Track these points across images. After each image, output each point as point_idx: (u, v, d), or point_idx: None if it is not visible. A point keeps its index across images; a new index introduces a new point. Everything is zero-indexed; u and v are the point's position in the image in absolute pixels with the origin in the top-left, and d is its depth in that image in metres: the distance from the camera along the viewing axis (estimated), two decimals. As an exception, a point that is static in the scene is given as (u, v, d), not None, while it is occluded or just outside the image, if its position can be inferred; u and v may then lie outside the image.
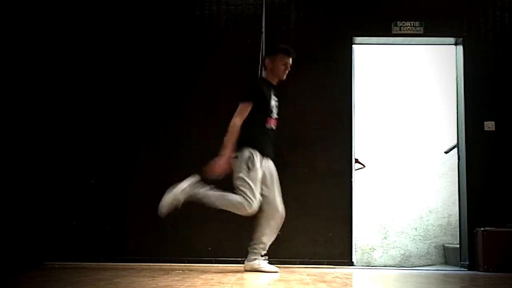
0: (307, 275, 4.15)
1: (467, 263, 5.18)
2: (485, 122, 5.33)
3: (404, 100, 7.00)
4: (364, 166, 6.37)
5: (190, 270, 4.41)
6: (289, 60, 4.48)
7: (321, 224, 5.25)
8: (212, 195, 4.28)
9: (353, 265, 5.21)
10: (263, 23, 5.45)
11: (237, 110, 4.36)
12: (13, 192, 5.02)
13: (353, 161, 5.40)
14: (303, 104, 5.42)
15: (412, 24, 5.46)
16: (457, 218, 5.57)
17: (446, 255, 6.53)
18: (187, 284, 3.30)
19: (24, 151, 5.22)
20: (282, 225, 5.25)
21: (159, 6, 5.56)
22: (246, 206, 4.21)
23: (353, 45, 5.51)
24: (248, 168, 4.27)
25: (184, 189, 4.26)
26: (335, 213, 5.27)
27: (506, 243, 4.91)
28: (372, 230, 6.77)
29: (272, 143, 4.52)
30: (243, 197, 4.22)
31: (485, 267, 4.86)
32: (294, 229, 5.21)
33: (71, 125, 5.43)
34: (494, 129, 5.32)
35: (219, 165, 4.29)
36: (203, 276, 3.86)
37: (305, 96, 5.40)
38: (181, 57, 5.49)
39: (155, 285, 3.23)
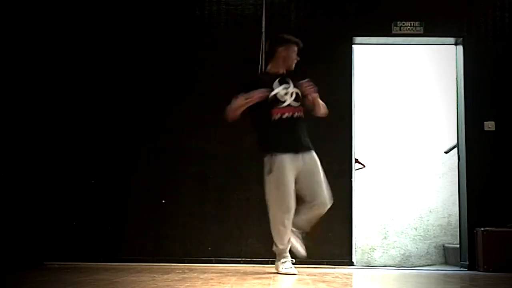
0: (307, 275, 4.14)
1: (467, 263, 5.18)
2: (485, 122, 5.33)
3: (404, 100, 6.99)
4: (364, 166, 6.37)
5: (190, 270, 4.41)
6: (297, 49, 4.29)
7: (321, 224, 5.23)
8: None
9: (353, 265, 5.21)
10: (263, 23, 5.44)
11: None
12: (13, 192, 5.02)
13: (353, 161, 5.40)
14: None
15: (412, 24, 5.46)
16: (457, 218, 5.57)
17: (446, 255, 6.52)
18: (187, 284, 3.30)
19: (24, 151, 5.22)
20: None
21: (159, 6, 5.56)
22: (282, 217, 4.08)
23: (353, 45, 5.51)
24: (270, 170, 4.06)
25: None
26: (335, 213, 5.24)
27: (506, 243, 4.90)
28: (372, 230, 6.77)
29: (294, 132, 4.17)
30: (272, 212, 4.10)
31: (485, 267, 4.86)
32: (294, 229, 5.21)
33: (71, 125, 5.43)
34: (494, 129, 5.32)
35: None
36: (203, 276, 3.86)
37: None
38: (181, 57, 5.49)
39: (155, 285, 3.23)
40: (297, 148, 4.15)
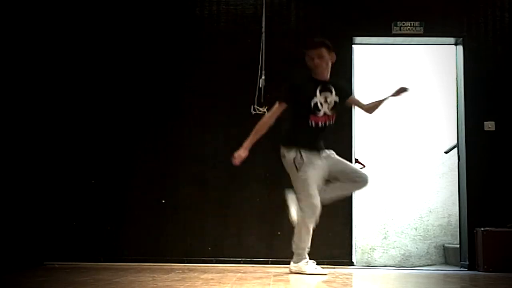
0: (307, 275, 4.14)
1: (467, 263, 5.18)
2: (485, 122, 5.33)
3: (404, 100, 6.97)
4: (364, 166, 6.37)
5: (190, 270, 4.41)
6: (315, 53, 4.13)
7: (321, 224, 5.23)
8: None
9: (353, 265, 5.21)
10: (263, 23, 5.44)
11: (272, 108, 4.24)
12: (13, 192, 5.02)
13: (353, 161, 5.39)
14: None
15: (412, 24, 5.46)
16: (457, 218, 5.57)
17: (446, 255, 6.52)
18: (187, 284, 3.30)
19: (24, 151, 5.22)
20: (282, 225, 5.26)
21: (159, 6, 5.56)
22: (308, 208, 4.12)
23: (353, 45, 5.51)
24: (297, 168, 4.09)
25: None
26: (335, 213, 5.26)
27: (506, 243, 4.90)
28: (372, 230, 6.77)
29: (324, 138, 4.27)
30: (302, 201, 4.14)
31: (485, 267, 4.86)
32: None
33: (71, 125, 5.43)
34: (494, 129, 5.32)
35: (237, 154, 4.11)
36: (203, 276, 3.86)
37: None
38: (181, 57, 5.49)
39: (155, 285, 3.23)
40: (319, 148, 4.22)
